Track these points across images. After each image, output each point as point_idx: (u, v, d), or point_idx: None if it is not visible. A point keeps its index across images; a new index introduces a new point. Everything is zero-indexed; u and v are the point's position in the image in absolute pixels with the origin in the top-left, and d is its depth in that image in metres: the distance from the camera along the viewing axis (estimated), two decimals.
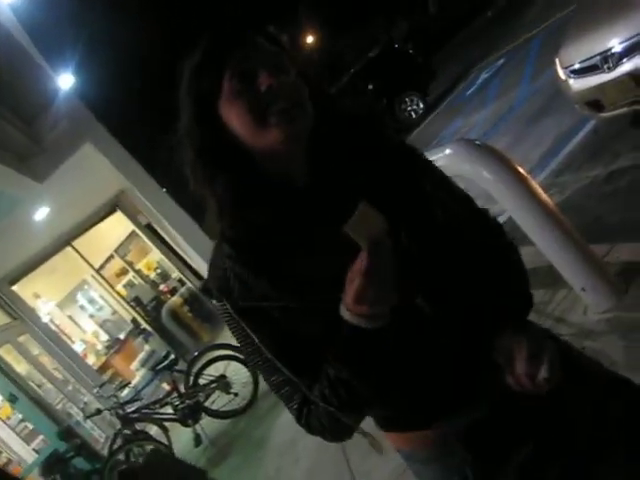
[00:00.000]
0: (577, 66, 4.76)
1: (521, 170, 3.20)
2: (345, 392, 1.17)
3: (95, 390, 8.18)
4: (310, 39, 36.43)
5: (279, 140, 1.15)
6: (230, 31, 1.21)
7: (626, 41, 4.27)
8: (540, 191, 3.23)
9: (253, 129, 1.16)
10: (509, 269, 1.37)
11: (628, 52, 4.27)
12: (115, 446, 6.82)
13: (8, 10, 7.89)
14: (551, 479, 1.31)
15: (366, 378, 1.17)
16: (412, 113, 13.86)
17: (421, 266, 1.21)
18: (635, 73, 4.27)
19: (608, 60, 4.42)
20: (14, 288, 10.71)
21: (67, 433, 8.18)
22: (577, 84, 4.83)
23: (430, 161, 1.39)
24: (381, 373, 1.17)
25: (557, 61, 5.14)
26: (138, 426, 7.08)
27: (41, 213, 8.66)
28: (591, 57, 4.57)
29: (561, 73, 5.05)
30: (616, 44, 4.34)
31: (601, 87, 4.57)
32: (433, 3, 20.85)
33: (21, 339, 10.15)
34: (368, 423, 1.33)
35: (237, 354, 7.07)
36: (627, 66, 4.29)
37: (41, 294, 13.00)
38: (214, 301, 1.27)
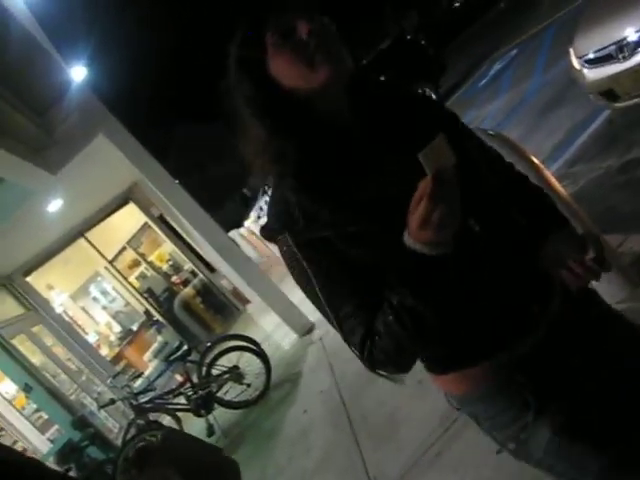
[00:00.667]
0: (591, 55, 4.74)
1: (535, 160, 3.19)
2: (410, 319, 1.19)
3: (108, 380, 8.23)
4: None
5: (327, 76, 1.26)
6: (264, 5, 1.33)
7: None
8: (554, 181, 3.21)
9: (303, 72, 1.27)
10: (540, 193, 1.62)
11: None
12: (128, 436, 6.86)
13: (21, 2, 7.91)
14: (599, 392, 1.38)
15: (430, 304, 1.19)
16: None
17: (470, 188, 1.26)
18: None
19: (623, 49, 4.39)
20: (28, 279, 10.78)
21: (81, 423, 8.24)
22: (591, 74, 4.81)
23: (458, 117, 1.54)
24: (444, 299, 1.20)
25: (571, 51, 5.11)
26: (151, 416, 7.12)
27: (54, 205, 8.69)
28: (606, 46, 4.55)
29: (575, 63, 5.02)
30: (631, 33, 4.32)
31: (616, 77, 4.55)
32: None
33: (35, 330, 10.22)
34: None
35: (249, 345, 7.11)
36: None
37: (55, 285, 13.07)
38: (276, 239, 1.31)
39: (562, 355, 1.38)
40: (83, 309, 14.52)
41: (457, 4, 19.98)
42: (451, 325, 1.27)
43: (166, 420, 7.46)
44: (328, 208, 1.24)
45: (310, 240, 1.25)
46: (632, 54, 4.33)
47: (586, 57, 4.82)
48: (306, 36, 1.26)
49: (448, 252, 1.14)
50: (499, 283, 1.35)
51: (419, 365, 1.41)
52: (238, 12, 1.36)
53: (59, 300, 13.14)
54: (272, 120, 1.30)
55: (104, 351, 13.02)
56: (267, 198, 17.61)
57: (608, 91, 4.76)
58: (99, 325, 14.47)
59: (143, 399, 7.09)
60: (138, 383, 8.86)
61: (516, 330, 1.36)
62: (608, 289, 3.24)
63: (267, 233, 1.32)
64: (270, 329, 9.25)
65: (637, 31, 4.27)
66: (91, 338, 13.12)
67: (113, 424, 9.79)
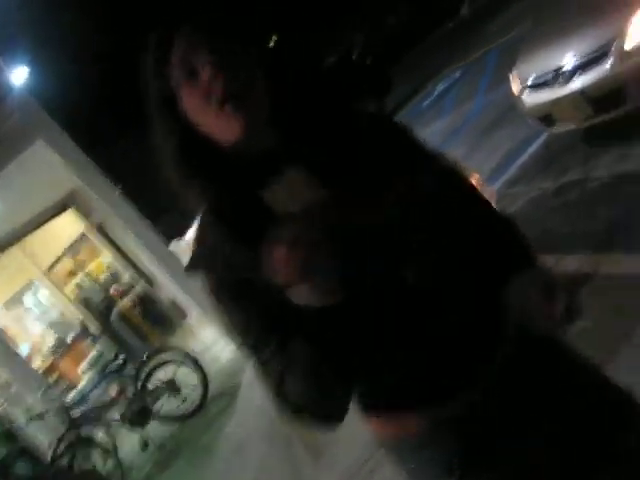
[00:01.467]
0: (531, 81, 4.88)
1: (476, 178, 3.25)
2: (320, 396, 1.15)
3: (39, 393, 7.99)
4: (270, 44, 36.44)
5: (239, 128, 1.13)
6: (169, 29, 1.18)
7: (578, 58, 4.39)
8: (492, 201, 3.28)
9: (211, 122, 1.15)
10: (501, 224, 1.39)
11: (579, 69, 4.39)
12: (59, 451, 6.66)
13: None
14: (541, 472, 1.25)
15: (326, 358, 1.11)
16: None
17: (403, 235, 1.17)
18: (586, 90, 4.39)
19: (560, 76, 4.53)
20: None
21: (7, 437, 7.96)
22: (530, 98, 4.94)
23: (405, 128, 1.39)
24: (338, 349, 1.12)
25: (512, 75, 5.25)
26: (84, 430, 6.94)
27: None
28: (545, 73, 4.69)
29: (515, 87, 5.16)
30: (569, 61, 4.46)
31: (553, 102, 4.69)
32: (392, 19, 21.04)
33: None
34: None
35: (186, 358, 7.01)
36: (578, 83, 4.42)
37: None
38: (199, 275, 1.22)
39: (502, 420, 1.24)
40: (15, 319, 14.08)
41: (404, 23, 20.28)
42: (371, 371, 1.20)
43: (99, 434, 7.28)
44: (238, 246, 1.16)
45: (224, 279, 1.19)
46: (569, 81, 4.47)
47: (526, 82, 4.96)
48: (211, 80, 1.11)
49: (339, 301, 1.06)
50: (434, 336, 1.20)
51: None
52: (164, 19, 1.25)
53: None
54: (187, 166, 1.19)
55: (37, 362, 12.62)
56: None
57: (546, 116, 4.90)
58: (32, 336, 14.04)
59: (75, 413, 6.90)
60: (71, 396, 8.63)
61: (448, 385, 1.22)
62: None
63: (191, 268, 1.24)
64: (209, 342, 9.14)
65: (574, 59, 4.42)
66: (23, 349, 12.72)
67: (43, 439, 9.49)
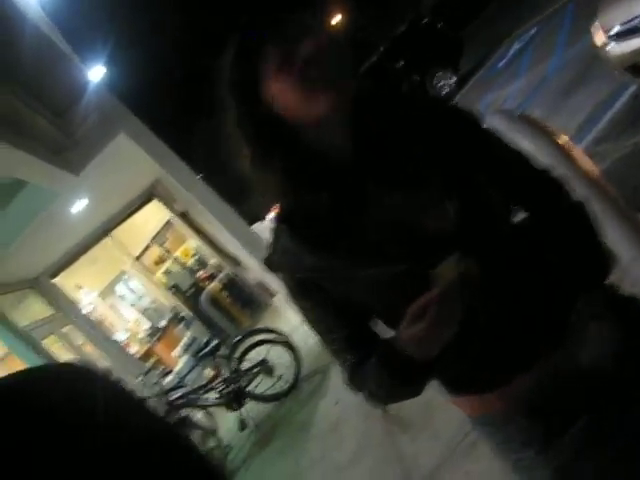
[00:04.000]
0: (617, 29, 4.62)
1: (564, 138, 3.10)
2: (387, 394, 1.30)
3: (139, 378, 8.27)
4: (335, 19, 36.07)
5: (328, 107, 1.16)
6: (262, 15, 1.21)
7: None
8: (586, 160, 3.13)
9: (302, 99, 1.17)
10: (575, 236, 1.32)
11: None
12: None
13: (36, 4, 7.93)
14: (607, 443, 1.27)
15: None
16: (444, 88, 13.68)
17: (465, 229, 1.20)
18: None
19: None
20: (55, 281, 10.87)
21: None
22: (617, 48, 4.68)
23: (477, 122, 1.35)
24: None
25: (595, 25, 4.99)
26: (183, 412, 7.14)
27: (79, 205, 8.74)
28: (631, 19, 4.43)
29: (599, 38, 4.90)
30: None
31: None
32: None
33: (65, 330, 10.32)
34: None
35: (278, 337, 7.09)
36: None
37: (83, 285, 13.19)
38: (274, 273, 1.32)
39: (568, 404, 1.27)
40: (111, 307, 14.65)
41: None
42: (449, 358, 1.23)
43: (198, 416, 7.47)
44: (310, 247, 1.23)
45: (303, 280, 1.27)
46: None
47: (611, 32, 4.70)
48: (307, 62, 1.15)
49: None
50: (499, 324, 1.24)
51: None
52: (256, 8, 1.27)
53: (87, 299, 13.26)
54: (262, 150, 1.23)
55: (133, 348, 13.12)
56: None
57: (634, 65, 4.64)
58: (128, 323, 14.59)
59: (174, 395, 7.10)
60: (168, 379, 8.90)
61: (516, 367, 1.27)
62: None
63: (267, 267, 1.32)
64: (297, 321, 9.21)
65: None
66: (120, 336, 13.23)
67: None
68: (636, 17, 4.36)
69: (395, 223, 1.21)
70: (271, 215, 19.38)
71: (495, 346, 1.26)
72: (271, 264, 1.31)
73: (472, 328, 1.20)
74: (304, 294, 1.29)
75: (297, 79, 1.15)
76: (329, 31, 1.23)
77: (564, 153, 3.09)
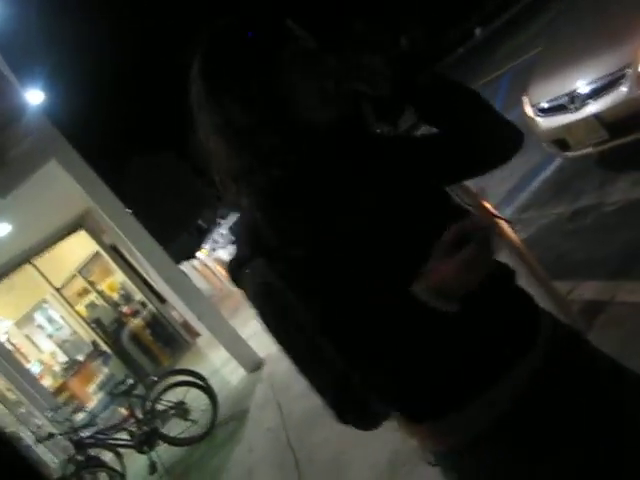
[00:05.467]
0: (545, 105, 4.85)
1: (487, 205, 3.21)
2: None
3: (49, 414, 7.95)
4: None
5: (336, 118, 1.22)
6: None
7: (592, 82, 4.36)
8: (506, 226, 3.24)
9: (318, 107, 1.21)
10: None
11: (594, 93, 4.35)
12: (67, 472, 6.61)
13: None
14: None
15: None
16: None
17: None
18: (600, 114, 4.35)
19: (574, 100, 4.50)
20: None
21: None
22: (544, 122, 4.91)
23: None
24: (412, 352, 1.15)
25: (525, 99, 5.22)
26: (92, 452, 6.89)
27: (2, 229, 8.47)
28: (558, 97, 4.66)
29: (529, 111, 5.13)
30: (582, 85, 4.43)
31: (567, 127, 4.65)
32: (405, 39, 21.18)
33: None
34: None
35: (196, 380, 6.96)
36: (593, 107, 4.38)
37: None
38: (242, 279, 1.19)
39: (532, 435, 1.23)
40: (27, 337, 14.09)
41: (415, 48, 20.46)
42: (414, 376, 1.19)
43: (108, 457, 7.22)
44: (302, 226, 1.18)
45: (285, 261, 1.14)
46: (583, 105, 4.44)
47: (539, 106, 4.93)
48: (330, 68, 1.22)
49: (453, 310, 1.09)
50: (462, 330, 1.19)
51: None
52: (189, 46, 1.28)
53: (2, 327, 12.74)
54: (267, 113, 1.21)
55: (47, 382, 12.61)
56: (222, 230, 17.50)
57: (560, 140, 4.86)
58: (44, 354, 14.04)
59: (84, 434, 6.86)
60: (80, 417, 8.59)
61: (474, 390, 1.21)
62: None
63: (233, 268, 1.21)
64: (219, 364, 9.10)
65: (588, 83, 4.38)
66: (35, 368, 12.72)
67: (51, 459, 9.44)
68: (562, 95, 4.59)
69: (367, 220, 1.19)
70: (200, 254, 19.15)
71: (460, 363, 1.20)
72: (249, 250, 1.19)
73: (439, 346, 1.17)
74: (289, 279, 1.14)
75: (320, 86, 1.21)
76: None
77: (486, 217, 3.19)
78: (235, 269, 1.20)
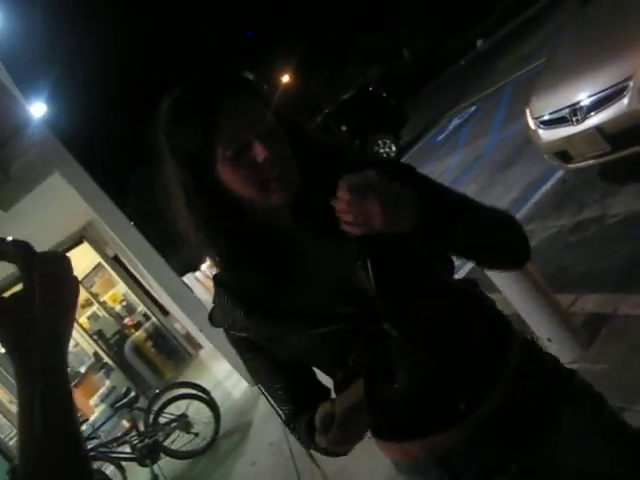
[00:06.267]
0: (546, 117, 4.85)
1: None
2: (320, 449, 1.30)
3: None
4: (285, 78, 36.72)
5: (279, 203, 1.21)
6: (211, 85, 1.21)
7: (594, 95, 4.37)
8: None
9: (255, 194, 1.21)
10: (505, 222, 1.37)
11: (596, 106, 4.36)
12: None
13: None
14: None
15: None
16: (384, 155, 14.04)
17: (385, 290, 1.23)
18: (602, 126, 4.36)
19: (576, 113, 4.51)
20: None
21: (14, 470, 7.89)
22: (546, 135, 4.92)
23: (414, 171, 1.40)
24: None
25: (527, 111, 5.23)
26: (94, 465, 6.86)
27: None
28: (560, 109, 4.67)
29: (531, 123, 5.14)
30: (584, 97, 4.44)
31: (569, 139, 4.66)
32: (407, 51, 21.29)
33: None
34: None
35: (199, 393, 6.94)
36: (594, 119, 4.39)
37: None
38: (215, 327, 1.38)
39: (486, 462, 1.32)
40: None
41: (418, 60, 20.59)
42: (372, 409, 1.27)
43: (110, 469, 7.19)
44: (243, 311, 1.28)
45: (239, 337, 1.34)
46: (585, 118, 4.45)
47: (541, 118, 4.94)
48: (261, 160, 1.17)
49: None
50: (418, 380, 1.29)
51: None
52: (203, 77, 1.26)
53: None
54: (206, 216, 1.24)
55: None
56: None
57: (562, 152, 4.87)
58: None
59: (87, 446, 6.83)
60: (82, 429, 8.56)
61: (434, 425, 1.32)
62: (559, 350, 3.26)
63: (210, 321, 1.39)
64: (221, 376, 9.07)
65: (590, 96, 4.40)
66: None
67: None
68: (564, 107, 4.60)
69: (325, 283, 1.27)
70: (204, 266, 19.16)
71: (413, 403, 1.31)
72: (212, 318, 1.37)
73: (391, 387, 1.27)
74: (244, 347, 1.36)
75: (253, 172, 1.19)
76: (276, 110, 1.25)
77: None
78: (209, 320, 1.38)
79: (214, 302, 1.37)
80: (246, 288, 1.29)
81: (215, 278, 1.35)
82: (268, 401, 1.44)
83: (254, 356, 1.36)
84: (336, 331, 1.23)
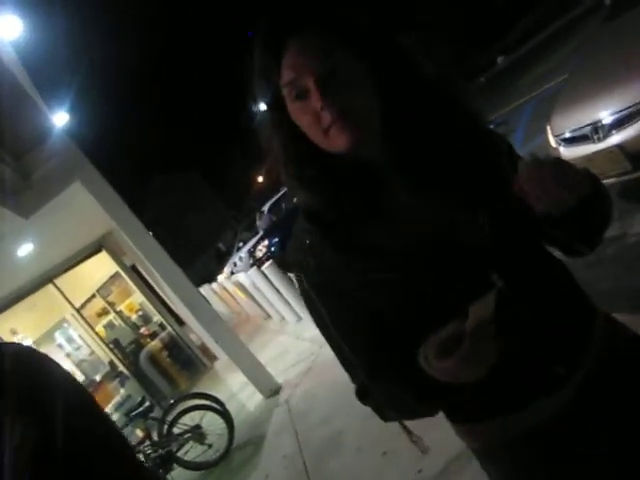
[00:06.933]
0: (568, 135, 4.84)
1: None
2: (402, 408, 1.25)
3: None
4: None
5: (343, 147, 1.16)
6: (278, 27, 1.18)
7: (616, 113, 4.35)
8: None
9: (319, 139, 1.18)
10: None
11: (618, 124, 4.34)
12: None
13: (9, 47, 7.94)
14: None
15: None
16: None
17: (497, 242, 1.19)
18: (624, 145, 4.33)
19: (598, 131, 4.48)
20: None
21: None
22: (567, 152, 4.89)
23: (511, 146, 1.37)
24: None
25: (548, 128, 5.22)
26: None
27: (25, 249, 8.56)
28: (581, 127, 4.65)
29: (552, 140, 5.12)
30: (606, 116, 4.42)
31: (590, 157, 4.63)
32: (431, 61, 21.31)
33: None
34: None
35: (213, 404, 6.94)
36: (616, 138, 4.36)
37: (18, 330, 12.77)
38: (292, 273, 1.32)
39: (576, 442, 1.24)
40: None
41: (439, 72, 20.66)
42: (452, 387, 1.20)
43: None
44: (339, 253, 1.21)
45: (323, 282, 1.25)
46: (607, 136, 4.43)
47: (562, 136, 4.92)
48: (320, 107, 1.14)
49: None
50: (518, 342, 1.21)
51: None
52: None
53: None
54: (300, 168, 1.24)
55: None
56: (242, 254, 17.53)
57: None
58: None
59: None
60: None
61: (523, 396, 1.24)
62: None
63: (285, 267, 1.32)
64: (236, 388, 9.07)
65: (612, 114, 4.38)
66: None
67: None
68: (586, 125, 4.58)
69: (423, 231, 1.20)
70: (220, 277, 19.17)
71: (506, 368, 1.19)
72: (288, 263, 1.29)
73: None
74: (326, 294, 1.26)
75: (314, 117, 1.16)
76: (344, 61, 1.17)
77: None
78: (283, 266, 1.30)
79: (292, 244, 1.30)
80: (335, 222, 1.22)
81: (302, 213, 1.28)
82: (340, 362, 1.31)
83: (337, 303, 1.25)
84: (437, 279, 1.17)
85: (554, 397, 1.23)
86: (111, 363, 13.57)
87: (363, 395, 1.29)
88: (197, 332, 10.80)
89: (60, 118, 8.78)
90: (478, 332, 1.03)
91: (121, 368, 13.20)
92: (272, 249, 14.66)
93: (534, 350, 1.22)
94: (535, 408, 1.23)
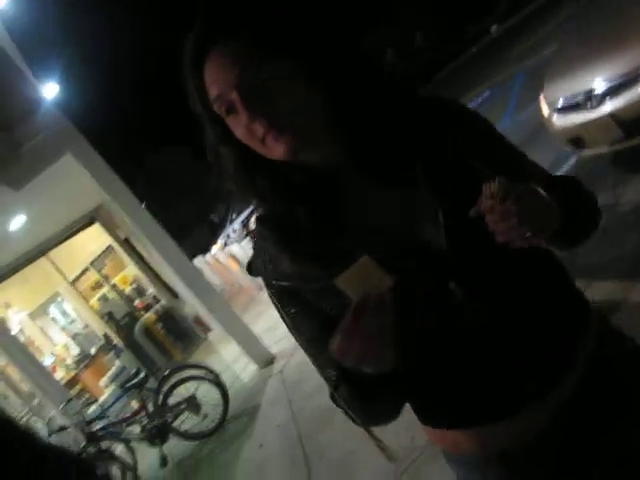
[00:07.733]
0: (561, 103, 4.81)
1: None
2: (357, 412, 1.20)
3: (61, 406, 8.00)
4: None
5: (282, 155, 1.10)
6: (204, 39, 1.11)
7: (609, 81, 4.32)
8: None
9: (259, 149, 1.13)
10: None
11: (611, 92, 4.31)
12: None
13: None
14: None
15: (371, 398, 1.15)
16: None
17: (456, 249, 1.11)
18: (617, 113, 4.31)
19: (591, 99, 4.46)
20: None
21: None
22: (560, 120, 4.87)
23: (472, 112, 1.28)
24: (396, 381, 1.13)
25: (541, 96, 5.19)
26: (103, 444, 6.92)
27: (17, 222, 8.53)
28: (574, 95, 4.62)
29: (545, 108, 5.10)
30: (599, 83, 4.39)
31: (583, 125, 4.61)
32: (420, 35, 21.17)
33: None
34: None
35: (208, 375, 6.98)
36: (609, 106, 4.34)
37: (12, 304, 12.78)
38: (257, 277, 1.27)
39: (556, 458, 1.20)
40: (41, 329, 14.20)
41: (431, 45, 20.51)
42: (422, 385, 1.20)
43: (119, 449, 7.26)
44: (289, 254, 1.18)
45: (282, 290, 1.22)
46: (600, 104, 4.40)
47: (555, 104, 4.89)
48: (248, 120, 1.08)
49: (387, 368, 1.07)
50: (483, 355, 1.15)
51: None
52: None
53: (16, 319, 12.83)
54: (251, 178, 1.18)
55: (60, 374, 12.70)
56: (235, 226, 17.53)
57: (576, 138, 4.83)
58: (56, 347, 14.14)
59: (96, 426, 6.90)
60: (92, 409, 8.64)
61: (497, 409, 1.19)
62: None
63: (249, 271, 1.28)
64: (230, 359, 9.12)
65: (605, 82, 4.35)
66: (47, 360, 12.81)
67: None
68: (579, 93, 4.55)
69: (384, 234, 1.15)
70: (214, 248, 19.16)
71: (478, 379, 1.17)
72: (251, 268, 1.26)
73: (455, 355, 1.15)
74: (287, 299, 1.23)
75: (247, 132, 1.11)
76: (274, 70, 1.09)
77: None
78: (248, 270, 1.28)
79: (254, 249, 1.26)
80: (291, 229, 1.18)
81: (259, 220, 1.25)
82: (313, 364, 1.26)
83: (298, 310, 1.22)
84: (396, 285, 1.05)
85: (523, 416, 1.17)
86: (106, 336, 13.61)
87: (334, 400, 1.23)
88: (191, 304, 10.82)
89: (50, 89, 8.68)
90: (362, 305, 1.00)
91: (116, 341, 13.25)
92: None
93: (504, 363, 1.16)
94: (505, 425, 1.19)
